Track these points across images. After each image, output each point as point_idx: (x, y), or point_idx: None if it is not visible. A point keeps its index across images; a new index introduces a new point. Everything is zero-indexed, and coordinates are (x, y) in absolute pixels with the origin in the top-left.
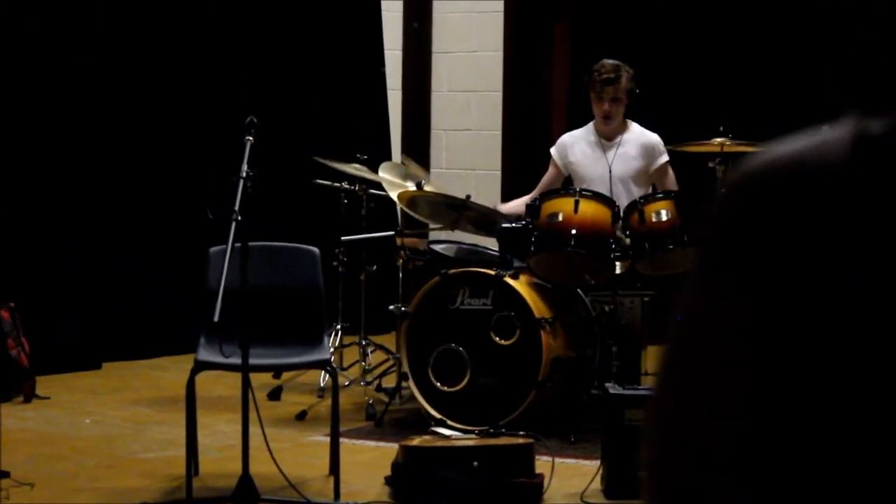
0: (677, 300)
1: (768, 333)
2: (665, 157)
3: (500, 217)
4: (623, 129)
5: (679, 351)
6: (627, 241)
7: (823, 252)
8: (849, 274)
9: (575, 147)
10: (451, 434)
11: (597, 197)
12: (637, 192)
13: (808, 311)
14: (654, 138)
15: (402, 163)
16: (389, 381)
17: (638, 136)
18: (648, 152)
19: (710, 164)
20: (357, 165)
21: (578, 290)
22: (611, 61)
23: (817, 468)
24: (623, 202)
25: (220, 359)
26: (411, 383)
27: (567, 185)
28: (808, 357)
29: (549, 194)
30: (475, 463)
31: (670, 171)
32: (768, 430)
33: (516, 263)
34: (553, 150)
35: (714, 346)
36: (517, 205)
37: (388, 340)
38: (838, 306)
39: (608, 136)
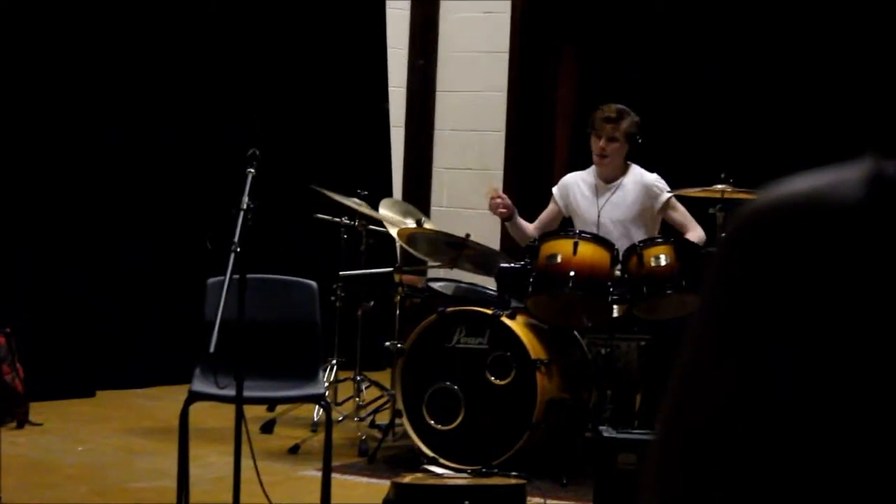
0: (686, 333)
1: (775, 367)
2: (666, 194)
3: (498, 257)
4: (623, 172)
5: (685, 379)
6: (618, 272)
7: (835, 288)
8: (861, 312)
9: (574, 188)
10: (443, 472)
11: (596, 239)
12: (640, 235)
13: (818, 346)
14: (651, 178)
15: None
16: (383, 418)
17: (637, 178)
18: (647, 193)
19: (711, 211)
20: (357, 200)
21: (575, 333)
22: (616, 105)
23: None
24: (622, 245)
25: (214, 390)
26: (405, 420)
27: (566, 226)
28: (815, 390)
29: (548, 235)
30: (466, 502)
31: (680, 206)
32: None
33: (514, 304)
34: (555, 190)
35: (718, 378)
36: (529, 229)
37: (384, 377)
38: (849, 344)
39: (607, 179)
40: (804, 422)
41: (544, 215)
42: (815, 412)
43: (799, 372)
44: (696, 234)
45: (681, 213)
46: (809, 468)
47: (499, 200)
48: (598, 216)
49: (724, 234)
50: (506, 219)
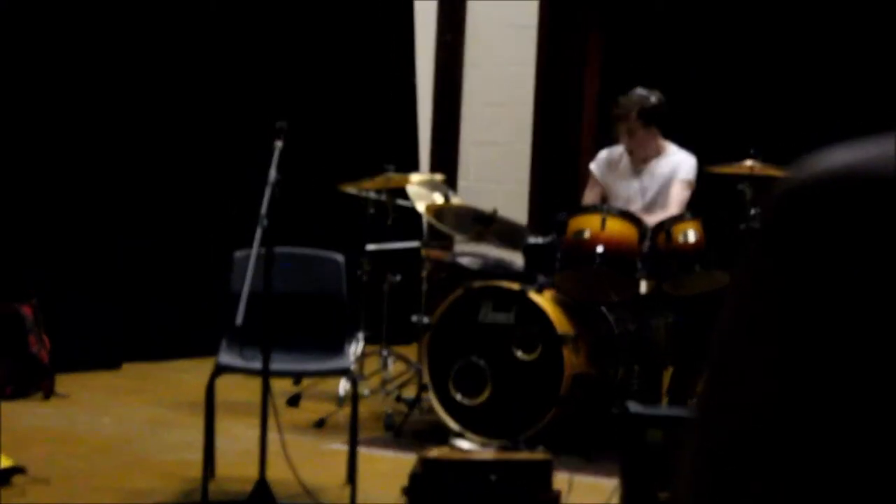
0: (726, 301)
1: (813, 339)
2: (682, 176)
3: (525, 232)
4: (658, 152)
5: (723, 350)
6: (646, 245)
7: (876, 261)
8: None
9: (611, 164)
10: (469, 447)
11: (624, 215)
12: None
13: (857, 319)
14: (683, 156)
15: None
16: (409, 392)
17: (671, 158)
18: (675, 169)
19: (739, 187)
20: (385, 176)
21: (602, 308)
22: (630, 95)
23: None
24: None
25: (240, 363)
26: (431, 395)
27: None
28: (848, 363)
29: (576, 211)
30: (493, 477)
31: (681, 192)
32: (798, 428)
33: (541, 279)
34: (593, 166)
35: (757, 347)
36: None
37: (410, 351)
38: (887, 317)
39: (644, 160)
40: (844, 409)
41: (590, 194)
42: (856, 396)
43: (840, 356)
44: (656, 217)
45: (675, 192)
46: (850, 456)
47: None
48: (646, 192)
49: (763, 208)
50: None
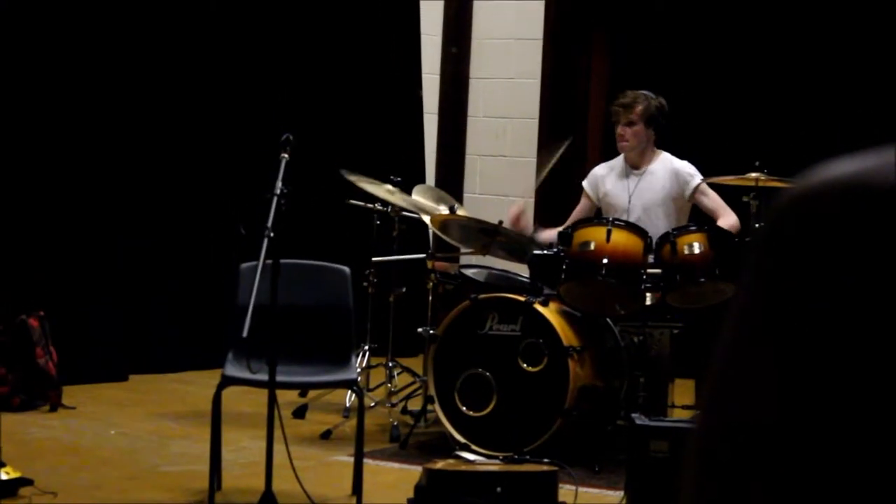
0: (727, 315)
1: (811, 346)
2: (697, 179)
3: (532, 243)
4: (652, 158)
5: (724, 357)
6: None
7: (874, 270)
8: None
9: (606, 178)
10: (475, 459)
11: (629, 227)
12: (670, 221)
13: (855, 327)
14: (681, 164)
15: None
16: (415, 404)
17: (666, 164)
18: (676, 179)
19: (745, 199)
20: (389, 187)
21: (608, 320)
22: (633, 91)
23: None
24: (651, 231)
25: (247, 374)
26: (437, 407)
27: (599, 215)
28: (846, 370)
29: (581, 223)
30: (498, 489)
31: (712, 192)
32: (799, 431)
33: (546, 291)
34: (585, 183)
35: (756, 354)
36: (553, 235)
37: (416, 363)
38: (884, 325)
39: (635, 166)
40: (842, 414)
41: (577, 212)
42: (854, 401)
43: (838, 363)
44: (728, 220)
45: (712, 199)
46: (851, 461)
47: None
48: (630, 201)
49: (764, 221)
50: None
